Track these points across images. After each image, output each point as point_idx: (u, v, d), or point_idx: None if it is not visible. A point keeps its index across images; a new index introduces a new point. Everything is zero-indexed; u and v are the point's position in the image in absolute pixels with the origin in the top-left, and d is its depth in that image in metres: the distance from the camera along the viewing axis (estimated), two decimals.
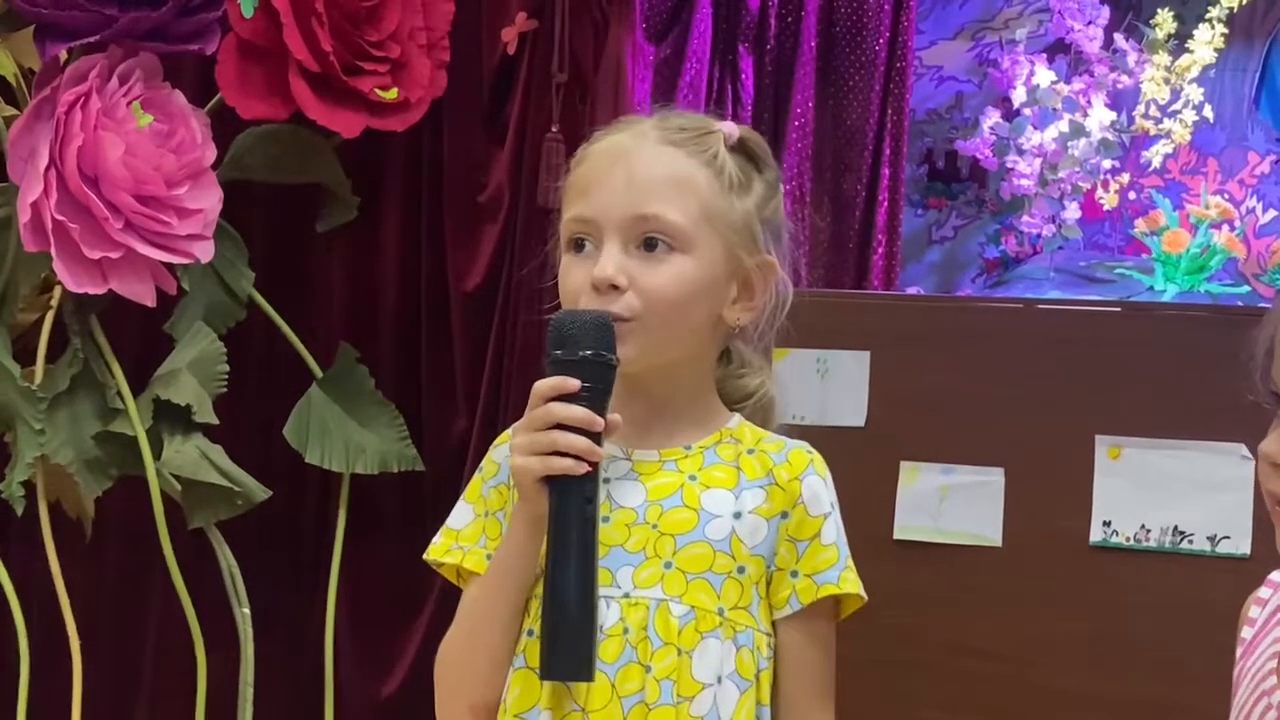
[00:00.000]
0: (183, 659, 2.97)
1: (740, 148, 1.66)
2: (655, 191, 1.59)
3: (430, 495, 3.12)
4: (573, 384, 1.51)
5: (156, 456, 2.86)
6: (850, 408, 2.62)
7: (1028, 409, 2.55)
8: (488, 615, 1.60)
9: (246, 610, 2.99)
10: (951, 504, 2.57)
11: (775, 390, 1.73)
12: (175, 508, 2.90)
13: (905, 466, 2.60)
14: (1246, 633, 1.49)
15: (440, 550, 1.66)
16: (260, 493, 2.91)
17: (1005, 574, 2.54)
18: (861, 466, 2.58)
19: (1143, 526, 2.48)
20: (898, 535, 2.59)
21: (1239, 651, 1.49)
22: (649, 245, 1.58)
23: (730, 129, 1.66)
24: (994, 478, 2.56)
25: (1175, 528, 2.47)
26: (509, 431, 1.66)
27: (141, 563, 3.12)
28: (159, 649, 3.23)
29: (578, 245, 1.62)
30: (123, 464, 2.88)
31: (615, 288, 1.57)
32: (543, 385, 1.53)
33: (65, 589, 2.88)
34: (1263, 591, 1.51)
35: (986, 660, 2.52)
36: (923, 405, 2.60)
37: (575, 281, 1.60)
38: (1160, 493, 2.47)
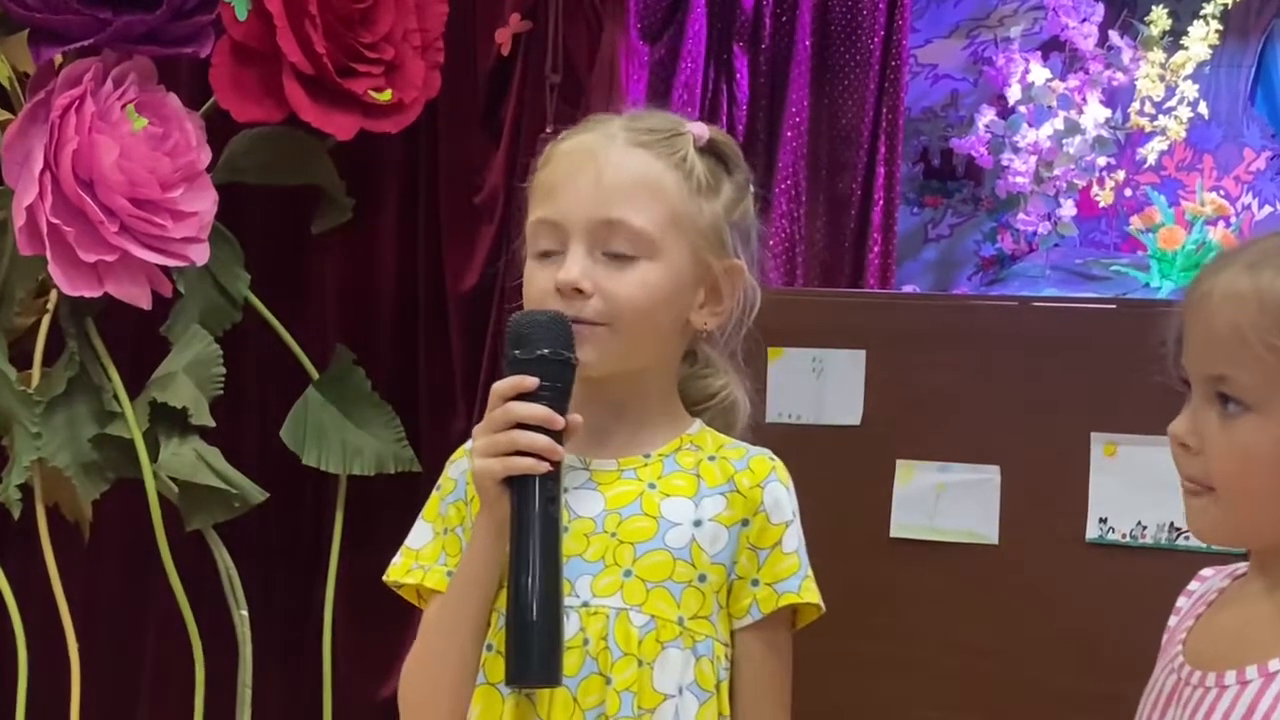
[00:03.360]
0: (181, 661, 2.97)
1: (710, 149, 1.63)
2: (622, 195, 1.56)
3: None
4: (531, 382, 1.49)
5: (153, 459, 2.86)
6: (846, 406, 2.62)
7: (1024, 407, 2.56)
8: (453, 630, 1.58)
9: (244, 612, 2.99)
10: (948, 502, 2.57)
11: (740, 394, 1.70)
12: (172, 510, 2.90)
13: (901, 465, 2.59)
14: (1172, 621, 1.54)
15: (400, 571, 1.64)
16: (257, 495, 2.91)
17: (1001, 572, 2.54)
18: (857, 465, 2.58)
19: (1139, 523, 2.49)
20: (894, 534, 2.58)
21: (1164, 639, 1.54)
22: (615, 251, 1.56)
23: (700, 130, 1.63)
24: (990, 475, 2.56)
25: (1171, 524, 2.47)
26: (465, 447, 1.63)
27: (139, 565, 3.12)
28: (157, 651, 3.23)
29: (544, 250, 1.59)
30: (120, 467, 2.88)
31: (580, 291, 1.54)
32: (501, 385, 1.51)
33: (63, 592, 2.88)
34: (1192, 585, 1.56)
35: (983, 658, 2.52)
36: (919, 404, 2.60)
37: (540, 285, 1.57)
38: (1156, 489, 2.47)
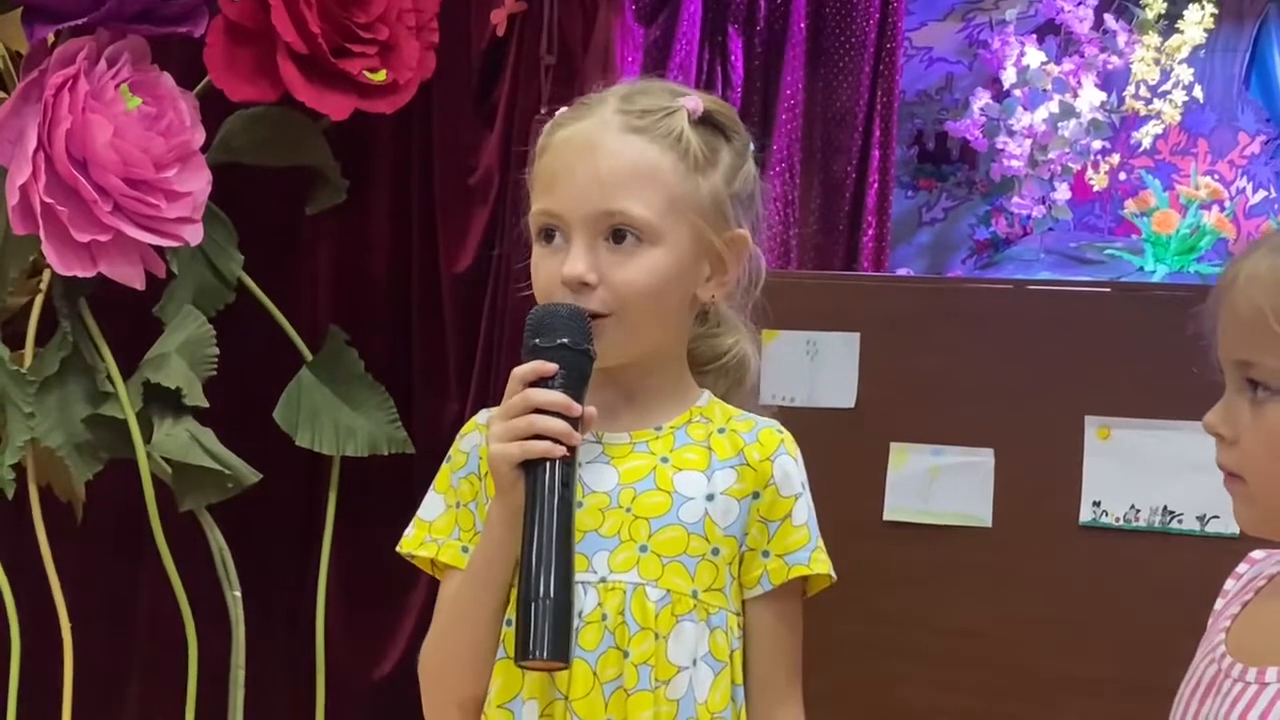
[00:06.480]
0: (174, 641, 2.97)
1: (706, 120, 1.63)
2: (620, 186, 1.57)
3: (420, 477, 3.11)
4: (550, 368, 1.51)
5: (146, 440, 2.85)
6: (840, 389, 2.62)
7: (1017, 390, 2.56)
8: (471, 612, 1.59)
9: (237, 593, 2.99)
10: (941, 485, 2.57)
11: (750, 349, 1.71)
12: (166, 491, 2.90)
13: (895, 448, 2.60)
14: (1219, 604, 1.51)
15: (413, 543, 1.65)
16: (250, 475, 2.91)
17: (995, 555, 2.54)
18: (851, 448, 2.58)
19: (1132, 507, 2.49)
20: (888, 516, 2.59)
21: (1209, 622, 1.51)
22: (617, 238, 1.57)
23: (694, 104, 1.62)
24: (984, 459, 2.56)
25: (1164, 508, 2.47)
26: (475, 420, 1.66)
27: (132, 546, 3.12)
28: (150, 632, 3.23)
29: (547, 236, 1.60)
30: (113, 447, 2.88)
31: (586, 285, 1.56)
32: (521, 370, 1.53)
33: (56, 572, 2.88)
34: (1241, 567, 1.53)
35: (976, 640, 2.53)
36: (912, 387, 2.60)
37: (547, 275, 1.59)
38: (1150, 473, 2.47)
